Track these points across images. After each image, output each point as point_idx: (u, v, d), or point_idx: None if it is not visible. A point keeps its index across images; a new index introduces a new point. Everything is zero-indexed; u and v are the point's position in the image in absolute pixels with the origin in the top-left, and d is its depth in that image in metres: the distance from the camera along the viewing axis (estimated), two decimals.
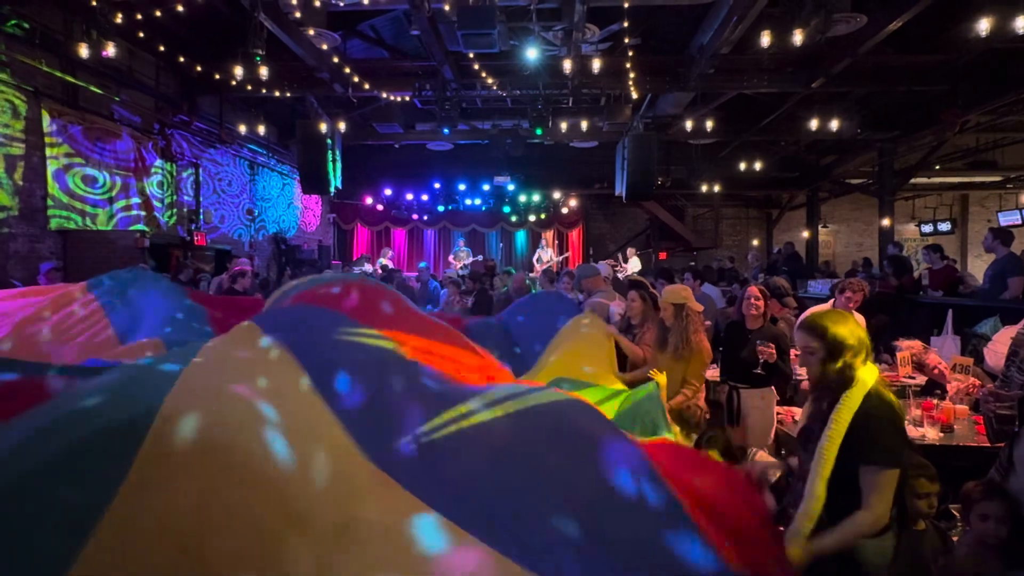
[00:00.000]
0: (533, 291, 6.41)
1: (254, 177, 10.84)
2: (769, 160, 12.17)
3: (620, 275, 8.54)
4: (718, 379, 3.60)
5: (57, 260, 6.14)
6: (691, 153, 12.01)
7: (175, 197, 8.51)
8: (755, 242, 15.52)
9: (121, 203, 7.27)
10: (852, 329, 1.77)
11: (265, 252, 11.30)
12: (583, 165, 13.15)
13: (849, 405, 1.62)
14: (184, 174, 8.76)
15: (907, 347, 3.81)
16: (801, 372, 3.12)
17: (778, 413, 3.41)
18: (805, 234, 13.88)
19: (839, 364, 1.72)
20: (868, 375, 1.71)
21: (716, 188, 12.71)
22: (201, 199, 9.11)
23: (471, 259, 11.97)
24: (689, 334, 3.09)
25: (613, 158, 9.81)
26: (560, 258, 13.36)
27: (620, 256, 11.92)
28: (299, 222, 12.74)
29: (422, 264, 8.34)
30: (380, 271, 10.97)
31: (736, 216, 15.71)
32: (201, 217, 9.06)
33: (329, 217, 14.45)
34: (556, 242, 15.17)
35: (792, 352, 3.16)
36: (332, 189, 9.01)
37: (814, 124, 8.97)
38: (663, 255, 14.30)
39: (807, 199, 13.72)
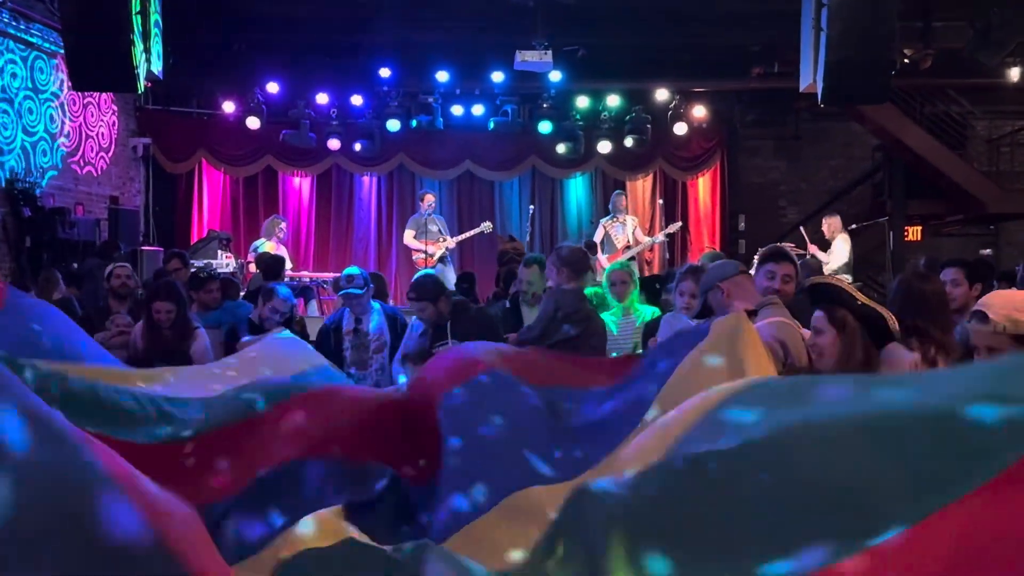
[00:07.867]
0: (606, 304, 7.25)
1: None
2: None
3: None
4: None
5: None
6: None
7: None
8: None
9: None
10: None
11: None
12: (721, 27, 13.46)
13: None
14: None
15: None
16: None
17: None
18: None
19: None
20: None
21: None
22: None
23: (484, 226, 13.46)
24: None
25: (789, 10, 10.22)
26: (664, 234, 13.96)
27: (807, 232, 12.99)
28: (63, 155, 13.23)
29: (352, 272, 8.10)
30: (253, 266, 12.03)
31: None
32: None
33: (136, 145, 15.09)
34: (659, 200, 15.98)
35: None
36: (142, 83, 9.46)
37: None
38: (912, 231, 15.20)
39: None
